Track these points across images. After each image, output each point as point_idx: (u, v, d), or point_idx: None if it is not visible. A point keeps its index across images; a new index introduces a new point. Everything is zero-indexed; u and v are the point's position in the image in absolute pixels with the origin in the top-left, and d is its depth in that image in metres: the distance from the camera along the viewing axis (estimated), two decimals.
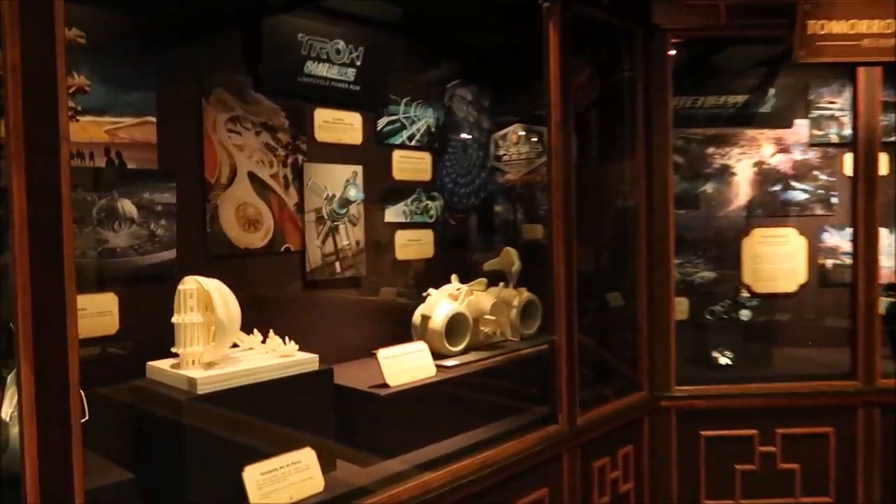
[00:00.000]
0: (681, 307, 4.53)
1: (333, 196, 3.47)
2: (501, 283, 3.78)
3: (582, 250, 3.74)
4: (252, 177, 3.16)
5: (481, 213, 4.33)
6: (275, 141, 3.26)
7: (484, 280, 3.61)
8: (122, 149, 2.73)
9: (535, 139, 4.34)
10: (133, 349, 2.72)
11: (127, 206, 2.73)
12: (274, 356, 2.66)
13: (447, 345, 3.31)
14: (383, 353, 2.96)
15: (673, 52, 3.88)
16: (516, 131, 4.40)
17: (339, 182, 3.50)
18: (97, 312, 2.66)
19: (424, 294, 3.48)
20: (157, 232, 2.82)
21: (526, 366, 3.54)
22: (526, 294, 3.80)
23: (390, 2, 3.62)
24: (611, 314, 4.44)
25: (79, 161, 2.63)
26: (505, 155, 4.38)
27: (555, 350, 3.42)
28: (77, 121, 2.61)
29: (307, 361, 2.67)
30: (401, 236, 3.86)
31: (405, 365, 3.01)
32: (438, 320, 3.28)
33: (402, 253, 3.86)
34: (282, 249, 3.28)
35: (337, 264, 3.50)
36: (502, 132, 4.38)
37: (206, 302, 2.53)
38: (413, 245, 3.92)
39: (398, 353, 3.02)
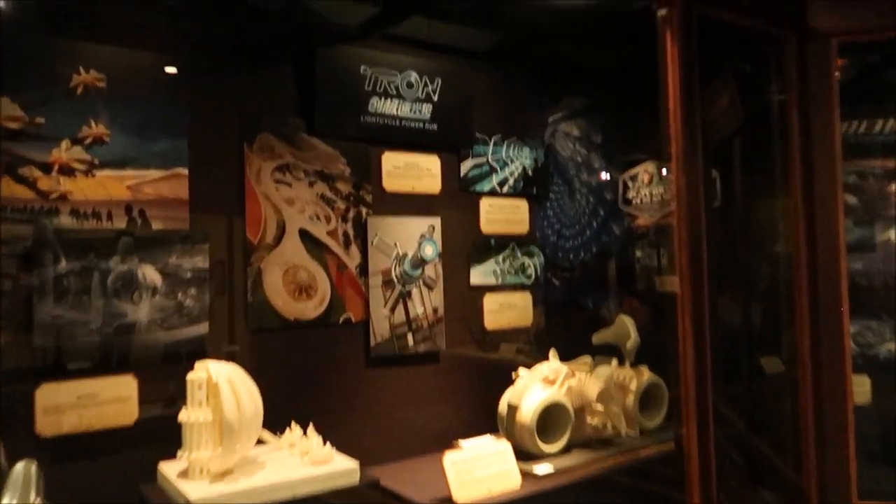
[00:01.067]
0: (861, 388, 3.48)
1: (405, 255, 2.91)
2: (615, 361, 3.02)
3: (727, 305, 2.99)
4: (304, 234, 2.68)
5: (593, 270, 3.59)
6: (333, 192, 2.77)
7: (589, 359, 2.86)
8: (146, 206, 2.34)
9: (669, 178, 3.56)
10: (151, 441, 2.27)
11: (149, 274, 2.32)
12: (305, 462, 2.10)
13: (540, 444, 2.59)
14: (451, 458, 2.31)
15: (840, 63, 3.00)
16: (647, 169, 3.69)
17: (413, 238, 2.94)
18: (112, 398, 2.23)
19: (514, 375, 2.80)
20: (185, 303, 2.38)
21: (647, 470, 2.74)
22: (647, 375, 3.01)
23: (474, 25, 3.07)
24: (766, 384, 3.50)
25: (94, 222, 2.26)
26: (635, 197, 3.64)
27: (683, 448, 2.59)
28: (93, 176, 2.25)
29: (345, 472, 2.09)
30: (490, 301, 3.22)
31: (480, 472, 2.33)
32: (529, 412, 2.59)
33: (491, 321, 3.21)
34: (340, 320, 2.75)
35: (409, 336, 2.92)
36: (632, 171, 3.66)
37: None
38: (505, 311, 3.26)
39: (471, 456, 2.35)
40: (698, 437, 2.59)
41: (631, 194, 3.69)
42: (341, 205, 2.79)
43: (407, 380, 2.92)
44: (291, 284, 2.64)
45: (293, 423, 2.35)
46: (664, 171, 3.56)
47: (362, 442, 2.63)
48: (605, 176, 3.70)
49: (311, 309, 2.68)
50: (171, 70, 2.40)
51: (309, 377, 2.67)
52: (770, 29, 3.12)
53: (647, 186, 3.67)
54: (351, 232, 2.81)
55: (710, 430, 2.61)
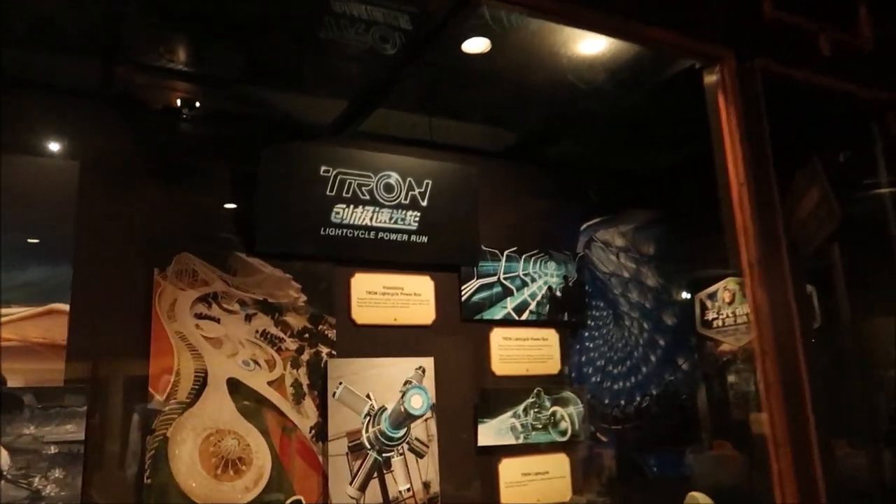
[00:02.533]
0: None
1: (382, 410, 2.16)
2: None
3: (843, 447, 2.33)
4: (235, 386, 1.99)
5: (655, 418, 2.69)
6: (280, 327, 2.09)
7: None
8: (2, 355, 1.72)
9: None
10: None
11: None
12: None
13: None
14: None
15: None
16: (728, 287, 2.90)
17: (394, 386, 2.20)
18: None
19: None
20: (45, 490, 1.69)
21: None
22: None
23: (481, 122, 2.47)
24: None
25: None
26: (716, 319, 2.84)
27: None
28: None
29: None
30: (509, 469, 2.37)
31: None
32: None
33: (512, 498, 2.34)
34: None
35: None
36: (710, 290, 2.86)
37: None
38: (532, 484, 2.39)
39: None
40: None
41: (711, 315, 2.88)
42: (291, 344, 2.10)
43: None
44: (213, 457, 1.91)
45: None
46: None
47: None
48: (663, 295, 2.88)
49: (240, 491, 1.93)
50: (56, 176, 1.86)
51: None
52: (865, 92, 2.35)
53: (730, 306, 2.88)
54: (304, 381, 2.09)
55: None
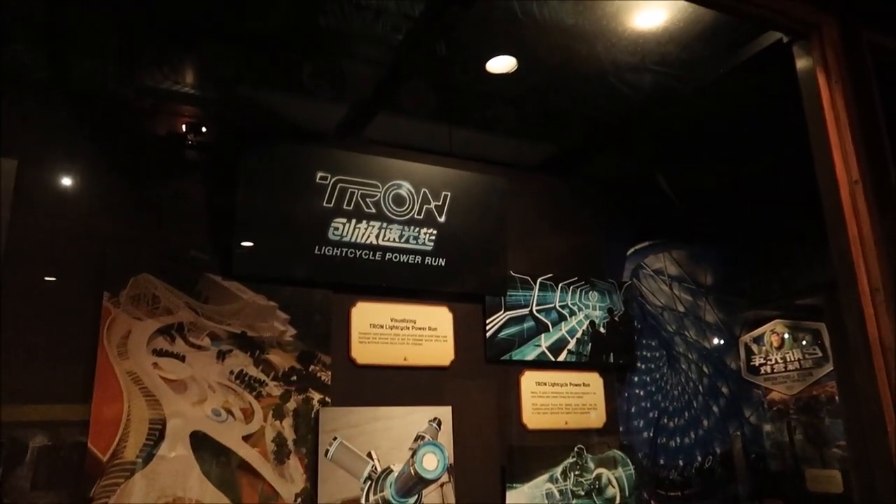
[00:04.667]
0: None
1: (387, 472, 1.73)
2: None
3: None
4: (201, 441, 1.58)
5: (719, 481, 2.22)
6: (260, 367, 1.69)
7: None
8: None
9: (808, 339, 2.38)
10: None
11: None
12: None
13: None
14: None
15: None
16: (775, 330, 2.48)
17: (403, 443, 1.77)
18: None
19: None
20: None
21: None
22: None
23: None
24: None
25: None
26: (764, 365, 2.40)
27: None
28: None
29: None
30: None
31: None
32: None
33: None
34: None
35: None
36: (754, 333, 2.43)
37: None
38: None
39: None
40: None
41: (758, 361, 2.46)
42: (274, 389, 1.69)
43: None
44: None
45: None
46: (800, 332, 2.36)
47: None
48: (724, 335, 2.45)
49: None
50: None
51: None
52: None
53: (778, 351, 2.42)
54: (289, 435, 1.67)
55: None
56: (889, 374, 1.34)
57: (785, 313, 2.65)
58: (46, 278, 1.52)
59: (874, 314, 1.34)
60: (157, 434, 1.54)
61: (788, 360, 2.64)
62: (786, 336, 2.70)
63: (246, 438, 1.63)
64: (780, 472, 2.40)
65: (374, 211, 1.88)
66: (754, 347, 2.67)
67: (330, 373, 1.76)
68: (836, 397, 2.44)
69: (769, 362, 2.66)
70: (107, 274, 1.58)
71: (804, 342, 2.53)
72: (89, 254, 1.57)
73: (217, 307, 1.68)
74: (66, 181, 1.60)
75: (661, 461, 2.21)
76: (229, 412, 1.63)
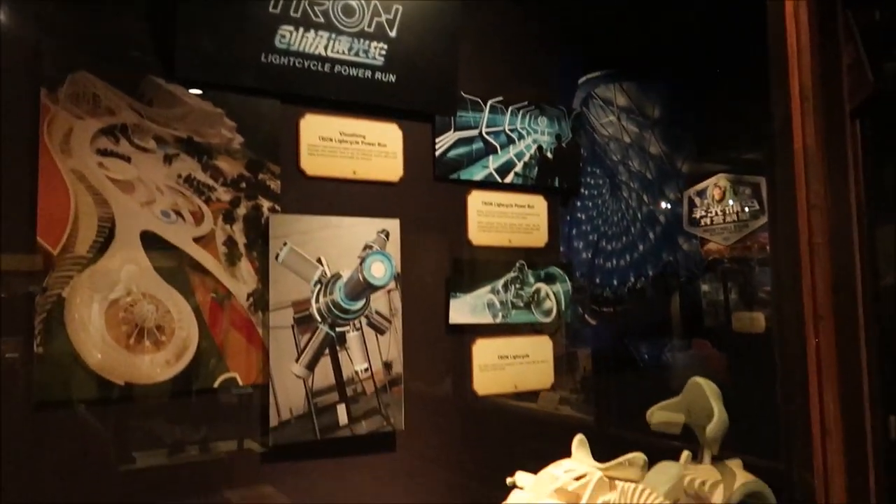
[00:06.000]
0: None
1: (336, 278, 1.81)
2: (685, 455, 1.80)
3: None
4: (152, 241, 1.61)
5: (650, 303, 2.39)
6: (209, 173, 1.70)
7: (641, 458, 1.63)
8: None
9: (748, 193, 2.48)
10: None
11: None
12: None
13: None
14: None
15: None
16: (718, 183, 2.56)
17: (351, 251, 1.84)
18: None
19: (508, 482, 1.63)
20: None
21: None
22: (742, 478, 1.78)
23: None
24: None
25: None
26: (704, 217, 2.51)
27: None
28: None
29: None
30: (484, 351, 2.06)
31: None
32: None
33: (485, 383, 2.05)
34: (216, 384, 1.66)
35: (341, 410, 1.79)
36: (699, 186, 2.52)
37: None
38: (510, 367, 2.10)
39: None
40: None
41: (699, 213, 2.57)
42: (223, 195, 1.71)
43: (333, 483, 1.78)
44: (123, 325, 1.56)
45: None
46: (741, 185, 2.46)
47: None
48: (666, 166, 2.53)
49: (159, 366, 1.59)
50: None
51: (151, 492, 1.57)
52: None
53: (719, 203, 2.52)
54: (240, 239, 1.72)
55: None
56: (811, 228, 1.43)
57: (730, 168, 2.74)
58: None
59: (804, 173, 1.41)
60: (107, 231, 1.57)
61: (727, 212, 2.77)
62: (727, 189, 2.81)
63: (197, 240, 1.67)
64: (713, 324, 2.58)
65: (322, 20, 1.82)
66: (697, 201, 2.78)
67: (279, 182, 1.78)
68: (768, 247, 2.59)
69: (709, 214, 2.79)
70: (44, 70, 1.53)
71: (744, 195, 2.65)
72: (24, 46, 1.51)
73: (162, 111, 1.65)
74: None
75: (598, 280, 2.36)
76: (178, 214, 1.66)
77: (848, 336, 1.36)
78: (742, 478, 1.80)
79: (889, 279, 1.75)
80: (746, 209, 2.62)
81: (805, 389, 1.42)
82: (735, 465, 1.84)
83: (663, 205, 2.47)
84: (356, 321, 1.83)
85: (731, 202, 2.64)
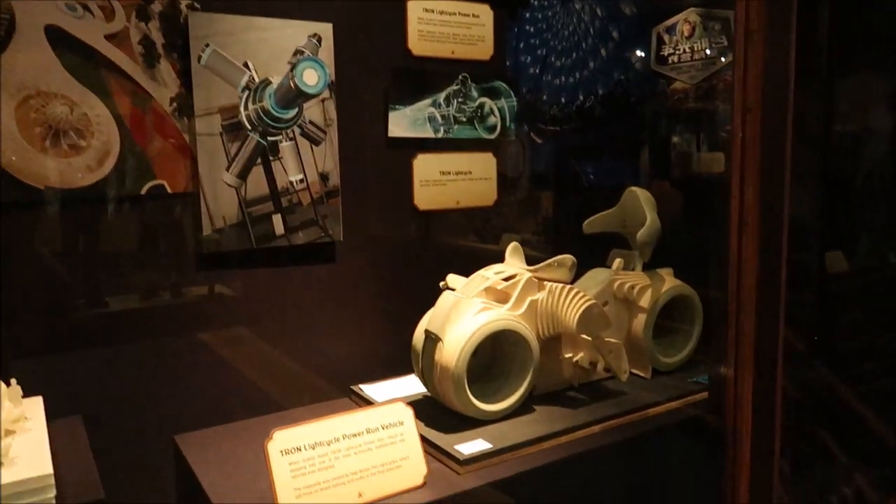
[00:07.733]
0: None
1: (265, 84, 1.73)
2: (617, 261, 1.85)
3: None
4: (58, 37, 1.51)
5: (598, 123, 2.36)
6: None
7: (569, 259, 1.66)
8: None
9: (717, 28, 2.38)
10: None
11: None
12: None
13: (474, 401, 1.49)
14: (281, 439, 1.22)
15: None
16: (688, 18, 2.44)
17: (281, 56, 1.75)
18: None
19: (442, 285, 1.68)
20: None
21: (664, 445, 1.65)
22: (670, 282, 1.86)
23: None
24: (833, 289, 2.35)
25: None
26: (672, 55, 2.43)
27: (727, 400, 1.57)
28: None
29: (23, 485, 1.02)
30: (424, 166, 2.04)
31: (346, 464, 1.25)
32: (456, 347, 1.47)
33: (425, 198, 2.04)
34: (144, 191, 1.62)
35: (277, 220, 1.78)
36: (668, 22, 2.40)
37: None
38: (452, 184, 2.09)
39: (320, 436, 1.26)
40: (757, 382, 1.50)
41: (667, 51, 2.47)
42: None
43: (272, 293, 1.81)
44: (36, 126, 1.49)
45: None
46: (710, 21, 2.35)
47: (172, 406, 1.59)
48: None
49: (81, 170, 1.55)
50: None
51: (77, 296, 1.58)
52: None
53: (688, 40, 2.42)
54: (158, 39, 1.62)
55: (777, 373, 1.51)
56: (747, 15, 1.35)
57: (700, 1, 2.60)
58: None
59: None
60: (6, 24, 1.45)
61: (695, 49, 2.67)
62: (697, 24, 2.68)
63: (109, 38, 1.56)
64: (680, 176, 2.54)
65: None
66: (666, 38, 2.65)
67: None
68: (734, 85, 2.51)
69: (677, 52, 2.68)
70: None
71: (713, 31, 2.54)
72: None
73: None
74: None
75: (545, 97, 2.30)
76: (86, 8, 1.53)
77: (775, 125, 1.35)
78: (670, 283, 1.86)
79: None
80: (714, 45, 2.54)
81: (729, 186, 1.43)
82: (666, 272, 1.90)
83: (617, 20, 2.36)
84: (289, 131, 1.78)
85: (700, 39, 2.55)
